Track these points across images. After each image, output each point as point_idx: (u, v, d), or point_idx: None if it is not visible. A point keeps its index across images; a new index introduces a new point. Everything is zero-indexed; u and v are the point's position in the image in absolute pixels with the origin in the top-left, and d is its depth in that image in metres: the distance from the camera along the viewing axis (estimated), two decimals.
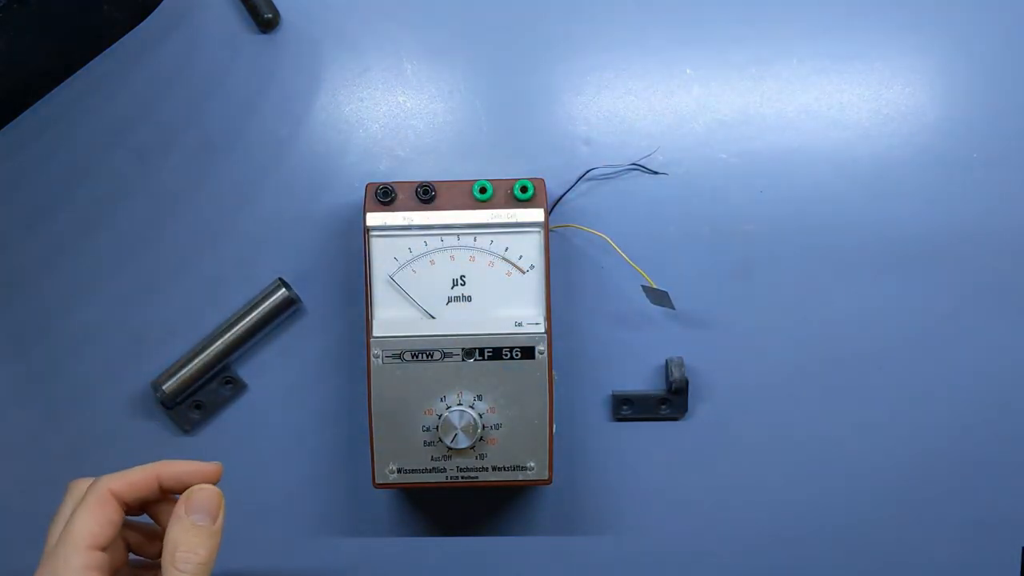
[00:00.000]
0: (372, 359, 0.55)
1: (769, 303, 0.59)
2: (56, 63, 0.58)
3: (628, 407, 0.59)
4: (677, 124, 0.59)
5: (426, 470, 0.55)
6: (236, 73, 0.59)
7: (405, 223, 0.54)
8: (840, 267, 0.59)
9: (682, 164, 0.59)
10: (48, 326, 0.60)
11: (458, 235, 0.55)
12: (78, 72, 0.59)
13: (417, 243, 0.55)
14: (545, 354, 0.54)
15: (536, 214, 0.54)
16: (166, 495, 0.46)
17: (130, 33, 0.59)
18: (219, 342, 0.58)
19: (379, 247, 0.55)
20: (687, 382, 0.58)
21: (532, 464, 0.55)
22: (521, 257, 0.55)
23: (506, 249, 0.55)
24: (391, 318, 0.55)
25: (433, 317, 0.55)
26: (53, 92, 0.59)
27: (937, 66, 0.58)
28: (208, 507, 0.44)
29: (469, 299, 0.55)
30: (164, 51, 0.59)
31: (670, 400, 0.59)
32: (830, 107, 0.59)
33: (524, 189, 0.54)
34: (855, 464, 0.60)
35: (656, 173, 0.59)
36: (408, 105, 0.59)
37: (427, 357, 0.54)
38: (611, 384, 0.60)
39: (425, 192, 0.54)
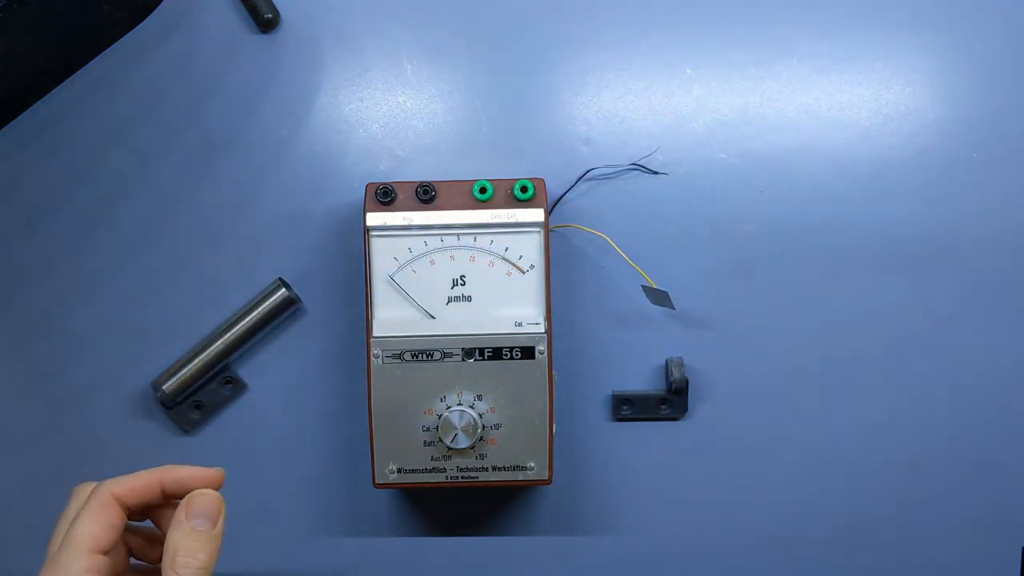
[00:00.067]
0: (372, 359, 0.55)
1: (769, 303, 0.59)
2: (56, 63, 0.58)
3: (628, 407, 0.59)
4: (677, 124, 0.59)
5: (426, 470, 0.55)
6: (236, 73, 0.59)
7: (405, 223, 0.54)
8: (840, 267, 0.59)
9: (682, 164, 0.59)
10: (48, 326, 0.60)
11: (458, 235, 0.55)
12: (78, 72, 0.59)
13: (417, 243, 0.55)
14: (545, 354, 0.54)
15: (536, 214, 0.54)
16: (168, 500, 0.46)
17: (130, 33, 0.59)
18: (219, 342, 0.58)
19: (379, 247, 0.55)
20: (687, 382, 0.58)
21: (532, 464, 0.55)
22: (521, 257, 0.55)
23: (506, 249, 0.55)
24: (391, 318, 0.55)
25: (433, 317, 0.55)
26: (53, 92, 0.59)
27: (937, 66, 0.58)
28: (208, 512, 0.45)
29: (469, 299, 0.55)
30: (164, 51, 0.59)
31: (670, 400, 0.59)
32: (830, 107, 0.59)
33: (524, 189, 0.54)
34: (855, 464, 0.60)
35: (656, 173, 0.59)
36: (408, 105, 0.59)
37: (427, 357, 0.55)
38: (611, 384, 0.60)
39: (425, 192, 0.54)
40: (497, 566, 0.61)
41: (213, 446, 0.60)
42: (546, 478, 0.55)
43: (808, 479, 0.60)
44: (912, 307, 0.59)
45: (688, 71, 0.59)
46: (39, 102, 0.59)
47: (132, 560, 0.48)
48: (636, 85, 0.59)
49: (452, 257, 0.55)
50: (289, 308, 0.59)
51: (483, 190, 0.54)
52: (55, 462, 0.60)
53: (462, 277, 0.55)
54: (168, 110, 0.59)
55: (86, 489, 0.45)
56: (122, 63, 0.59)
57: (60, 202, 0.59)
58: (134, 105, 0.59)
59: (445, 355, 0.54)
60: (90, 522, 0.43)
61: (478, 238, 0.55)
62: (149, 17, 0.58)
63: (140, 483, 0.45)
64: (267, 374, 0.60)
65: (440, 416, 0.54)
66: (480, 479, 0.55)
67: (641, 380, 0.60)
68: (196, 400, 0.59)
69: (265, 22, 0.58)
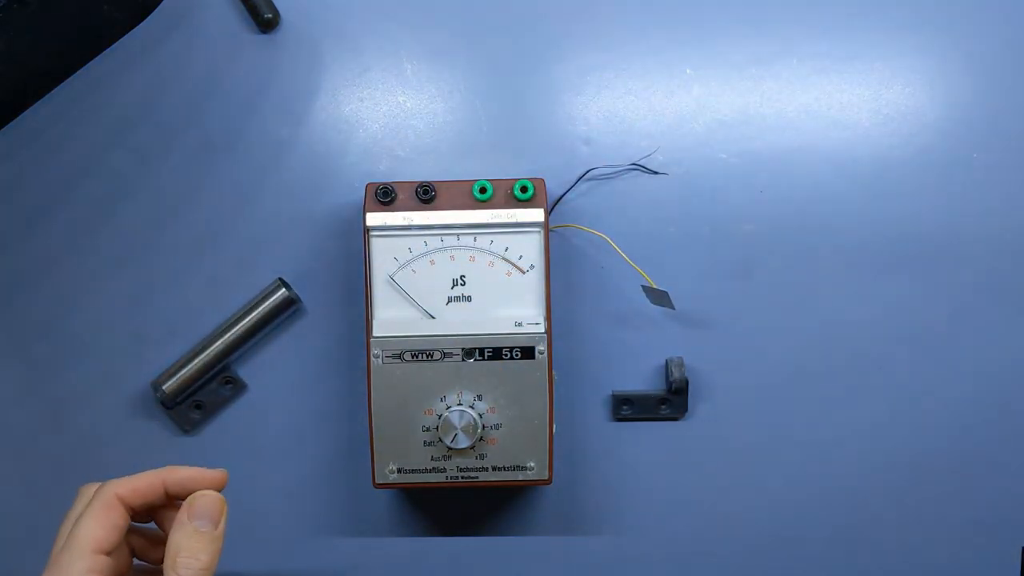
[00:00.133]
0: (372, 359, 0.55)
1: (769, 303, 0.59)
2: (56, 63, 0.58)
3: (628, 407, 0.59)
4: (677, 124, 0.59)
5: (426, 470, 0.55)
6: (236, 73, 0.59)
7: (405, 223, 0.54)
8: (840, 267, 0.59)
9: (682, 164, 0.59)
10: (48, 326, 0.60)
11: (458, 235, 0.55)
12: (78, 72, 0.59)
13: (417, 243, 0.55)
14: (545, 354, 0.54)
15: (536, 214, 0.54)
16: (171, 501, 0.47)
17: (130, 33, 0.59)
18: (219, 342, 0.58)
19: (379, 247, 0.55)
20: (687, 382, 0.58)
21: (532, 464, 0.55)
22: (521, 257, 0.55)
23: (506, 249, 0.55)
24: (391, 318, 0.55)
25: (433, 317, 0.55)
26: (53, 92, 0.59)
27: (937, 66, 0.58)
28: (210, 513, 0.45)
29: (469, 299, 0.55)
30: (164, 51, 0.59)
31: (670, 400, 0.59)
32: (830, 107, 0.59)
33: (524, 189, 0.54)
34: (855, 464, 0.60)
35: (656, 173, 0.59)
36: (408, 105, 0.59)
37: (427, 357, 0.55)
38: (611, 384, 0.60)
39: (425, 192, 0.54)
40: (497, 566, 0.61)
41: (213, 446, 0.60)
42: (546, 478, 0.55)
43: (808, 479, 0.60)
44: (912, 307, 0.59)
45: (688, 71, 0.59)
46: (39, 102, 0.59)
47: (135, 561, 0.48)
48: (636, 85, 0.59)
49: (452, 257, 0.55)
50: (289, 308, 0.59)
51: (483, 190, 0.54)
52: (55, 462, 0.60)
53: (462, 277, 0.55)
54: (168, 110, 0.59)
55: (91, 489, 0.46)
56: (122, 63, 0.59)
57: (60, 202, 0.59)
58: (134, 105, 0.59)
59: (445, 355, 0.54)
60: (93, 523, 0.43)
61: (478, 238, 0.55)
62: (149, 17, 0.58)
63: (143, 484, 0.45)
64: (267, 374, 0.60)
65: (440, 416, 0.54)
66: (480, 479, 0.55)
67: (641, 380, 0.60)
68: (196, 400, 0.59)
69: (265, 22, 0.58)
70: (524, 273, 0.55)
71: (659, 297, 0.57)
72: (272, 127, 0.59)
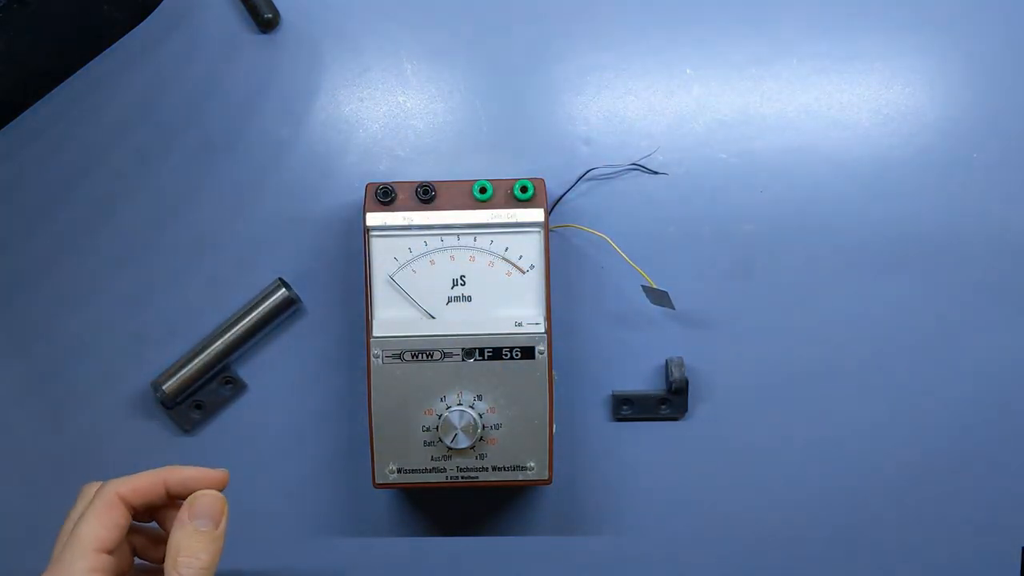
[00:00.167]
0: (372, 359, 0.55)
1: (769, 303, 0.59)
2: (56, 63, 0.58)
3: (628, 407, 0.59)
4: (677, 124, 0.59)
5: (426, 470, 0.55)
6: (236, 73, 0.59)
7: (405, 223, 0.54)
8: (840, 267, 0.59)
9: (682, 164, 0.59)
10: (48, 326, 0.60)
11: (458, 235, 0.55)
12: (78, 72, 0.59)
13: (417, 243, 0.55)
14: (545, 354, 0.54)
15: (536, 214, 0.54)
16: (173, 500, 0.47)
17: (130, 33, 0.59)
18: (219, 342, 0.58)
19: (379, 247, 0.55)
20: (687, 382, 0.58)
21: (532, 464, 0.55)
22: (521, 257, 0.55)
23: (506, 249, 0.55)
24: (391, 318, 0.55)
25: (433, 317, 0.55)
26: (53, 92, 0.59)
27: (937, 66, 0.58)
28: (211, 512, 0.45)
29: (469, 299, 0.55)
30: (164, 51, 0.59)
31: (670, 400, 0.59)
32: (830, 107, 0.59)
33: (524, 189, 0.54)
34: (855, 464, 0.60)
35: (656, 173, 0.59)
36: (408, 105, 0.59)
37: (427, 357, 0.55)
38: (611, 384, 0.60)
39: (425, 192, 0.54)
40: (497, 566, 0.61)
41: (213, 446, 0.60)
42: (546, 478, 0.55)
43: (808, 479, 0.60)
44: (912, 307, 0.59)
45: (688, 71, 0.59)
46: (39, 102, 0.59)
47: (136, 560, 0.48)
48: (636, 85, 0.59)
49: (452, 257, 0.55)
50: (289, 308, 0.59)
51: (483, 190, 0.54)
52: (55, 462, 0.60)
53: (462, 277, 0.55)
54: (168, 110, 0.59)
55: (92, 488, 0.46)
56: (122, 63, 0.59)
57: (60, 202, 0.59)
58: (134, 105, 0.59)
59: (445, 355, 0.54)
60: (94, 522, 0.43)
61: (478, 238, 0.55)
62: (149, 17, 0.58)
63: (144, 483, 0.45)
64: (267, 374, 0.60)
65: (440, 416, 0.54)
66: (480, 479, 0.55)
67: (641, 380, 0.60)
68: (196, 400, 0.59)
69: (265, 22, 0.58)
70: (524, 273, 0.55)
71: (659, 297, 0.57)
72: (272, 127, 0.59)
